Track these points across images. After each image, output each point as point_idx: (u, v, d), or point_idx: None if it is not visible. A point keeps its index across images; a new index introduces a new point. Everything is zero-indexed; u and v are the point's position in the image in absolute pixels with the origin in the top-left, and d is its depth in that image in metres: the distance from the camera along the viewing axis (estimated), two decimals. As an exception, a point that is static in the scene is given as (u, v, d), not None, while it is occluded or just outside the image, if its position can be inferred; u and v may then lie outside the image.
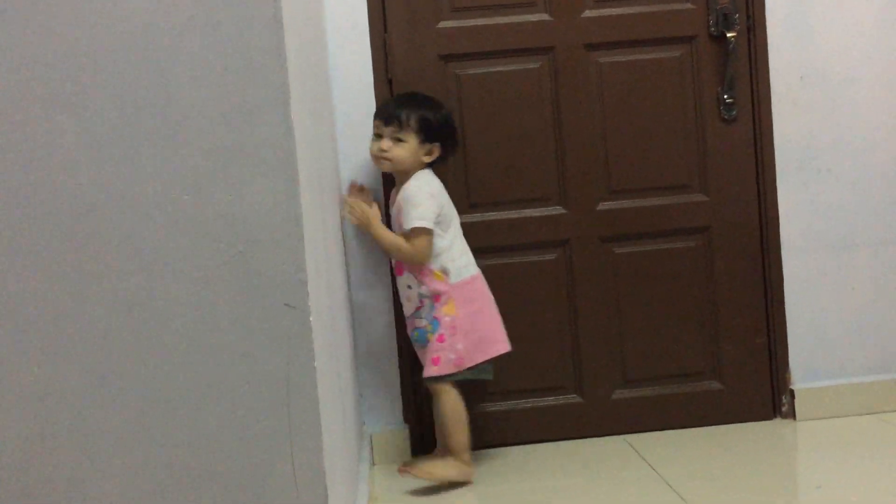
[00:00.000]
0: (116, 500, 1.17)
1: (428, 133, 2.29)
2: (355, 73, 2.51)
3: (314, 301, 1.23)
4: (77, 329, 1.16)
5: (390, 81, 2.52)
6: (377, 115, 2.33)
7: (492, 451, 2.54)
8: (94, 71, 1.15)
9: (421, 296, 2.30)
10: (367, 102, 2.50)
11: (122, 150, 1.16)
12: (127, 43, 1.15)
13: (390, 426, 2.56)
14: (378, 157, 2.30)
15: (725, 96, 2.55)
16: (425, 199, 2.26)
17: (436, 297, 2.28)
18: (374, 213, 2.34)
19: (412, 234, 2.25)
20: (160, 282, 1.17)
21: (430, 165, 2.33)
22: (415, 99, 2.33)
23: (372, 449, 2.54)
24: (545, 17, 2.56)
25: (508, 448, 2.56)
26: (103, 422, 1.16)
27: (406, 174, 2.30)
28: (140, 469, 1.17)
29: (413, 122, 2.27)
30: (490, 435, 2.57)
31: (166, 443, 1.17)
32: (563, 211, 2.57)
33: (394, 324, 2.53)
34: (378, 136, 2.31)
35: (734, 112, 2.57)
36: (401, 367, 2.55)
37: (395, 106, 2.30)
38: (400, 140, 2.27)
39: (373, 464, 2.53)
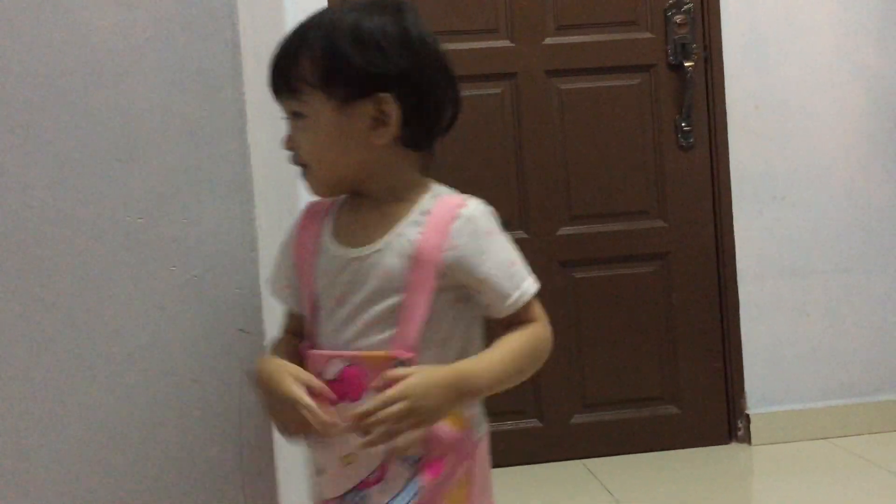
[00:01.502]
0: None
1: (351, 80, 1.00)
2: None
3: (269, 326, 1.21)
4: (24, 351, 1.13)
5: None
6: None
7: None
8: (47, 91, 1.13)
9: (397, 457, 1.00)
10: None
11: (75, 171, 1.14)
12: (82, 63, 1.14)
13: (348, 450, 2.53)
14: (293, 162, 1.07)
15: (683, 124, 2.59)
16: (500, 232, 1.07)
17: (432, 464, 1.02)
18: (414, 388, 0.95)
19: (530, 306, 1.06)
20: (111, 305, 1.15)
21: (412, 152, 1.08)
22: (315, 24, 1.04)
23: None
24: (507, 43, 2.58)
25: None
26: (47, 447, 1.13)
27: (370, 186, 1.06)
28: (85, 499, 1.14)
29: (310, 71, 1.01)
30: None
31: (114, 471, 1.14)
32: (524, 235, 2.58)
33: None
34: None
35: (692, 139, 2.60)
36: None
37: (280, 55, 1.05)
38: (299, 116, 1.04)
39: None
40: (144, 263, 1.15)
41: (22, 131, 1.13)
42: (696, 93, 2.59)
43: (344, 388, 0.98)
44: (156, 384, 1.16)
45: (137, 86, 1.15)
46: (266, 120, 1.44)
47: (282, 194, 1.66)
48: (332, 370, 0.99)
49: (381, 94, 1.00)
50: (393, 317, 0.99)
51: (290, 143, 1.05)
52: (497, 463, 2.53)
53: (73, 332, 1.14)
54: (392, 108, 1.01)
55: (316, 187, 1.06)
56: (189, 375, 1.16)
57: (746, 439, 2.63)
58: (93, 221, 1.14)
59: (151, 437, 1.15)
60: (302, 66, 1.01)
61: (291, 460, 1.35)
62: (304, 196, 2.68)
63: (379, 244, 1.02)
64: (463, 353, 1.03)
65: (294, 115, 1.04)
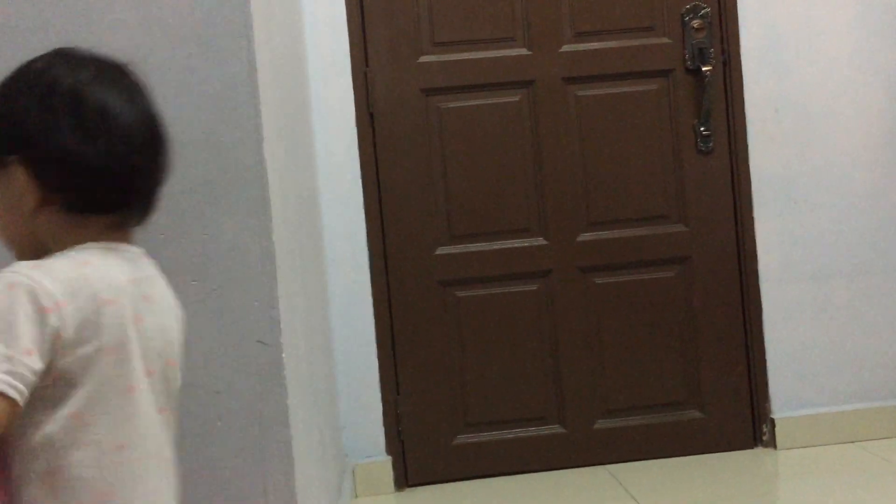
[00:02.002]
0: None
1: None
2: (337, 108, 2.53)
3: (287, 337, 1.24)
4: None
5: (371, 116, 2.55)
6: None
7: (473, 482, 2.54)
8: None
9: None
10: (349, 137, 2.53)
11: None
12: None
13: (373, 457, 2.55)
14: None
15: (702, 129, 2.59)
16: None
17: None
18: None
19: None
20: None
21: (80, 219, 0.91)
22: None
23: (355, 481, 2.53)
24: (524, 51, 2.60)
25: (490, 479, 2.56)
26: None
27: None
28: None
29: None
30: (472, 466, 2.57)
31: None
32: (545, 242, 2.59)
33: (375, 354, 2.54)
34: None
35: (711, 144, 2.60)
36: (382, 397, 2.56)
37: None
38: None
39: (356, 496, 2.52)
40: (166, 278, 1.18)
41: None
42: (715, 97, 2.59)
43: None
44: (182, 396, 1.19)
45: (157, 106, 1.18)
46: (281, 137, 1.48)
47: (298, 209, 1.69)
48: None
49: (7, 157, 0.88)
50: None
51: None
52: (520, 469, 2.58)
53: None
54: (18, 171, 0.87)
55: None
56: (211, 387, 1.18)
57: (772, 443, 2.62)
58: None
59: (183, 443, 1.18)
60: None
61: (310, 470, 1.37)
62: (326, 211, 2.67)
63: None
64: None
65: None
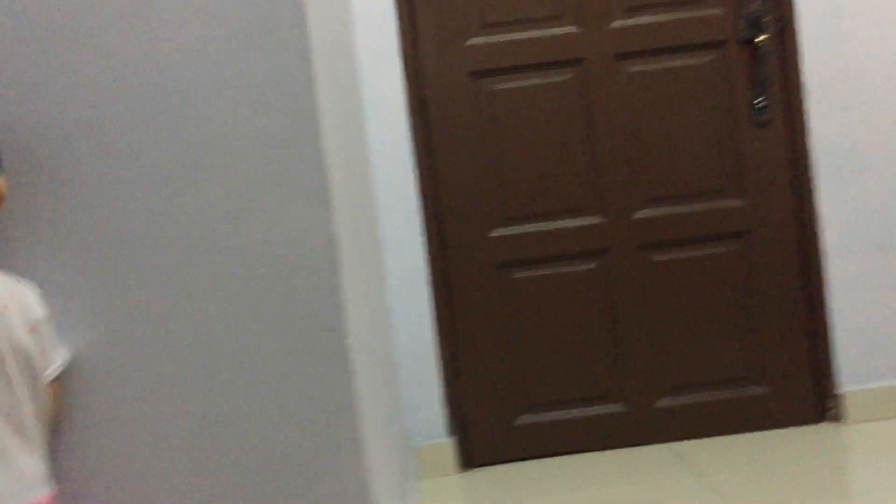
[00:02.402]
0: (168, 521, 1.21)
1: None
2: (387, 95, 2.55)
3: (352, 323, 1.26)
4: (126, 357, 1.20)
5: (422, 101, 2.56)
6: None
7: (537, 462, 2.55)
8: (136, 107, 1.20)
9: None
10: (401, 123, 2.54)
11: (159, 183, 1.20)
12: (162, 78, 1.20)
13: (435, 439, 2.58)
14: None
15: (757, 100, 2.54)
16: None
17: None
18: None
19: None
20: (202, 309, 1.21)
21: None
22: None
23: (418, 463, 2.56)
24: (573, 29, 2.57)
25: (553, 459, 2.56)
26: (151, 447, 1.20)
27: None
28: (186, 492, 1.21)
29: None
30: (535, 446, 2.58)
31: (212, 466, 1.21)
32: (601, 220, 2.58)
33: (435, 334, 2.56)
34: None
35: (767, 116, 2.55)
36: (443, 380, 2.58)
37: None
38: None
39: (420, 478, 2.55)
40: (230, 269, 1.21)
41: (106, 146, 1.20)
42: (770, 68, 2.54)
43: None
44: (247, 384, 1.21)
45: (218, 99, 1.21)
46: (337, 126, 1.49)
47: (356, 196, 1.71)
48: None
49: None
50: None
51: None
52: (583, 448, 2.58)
53: (168, 337, 1.21)
54: None
55: None
56: (279, 373, 1.21)
57: (838, 418, 2.57)
58: (179, 230, 1.20)
59: (245, 434, 1.21)
60: None
61: (378, 454, 1.39)
62: (382, 200, 2.69)
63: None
64: None
65: None
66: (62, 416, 1.13)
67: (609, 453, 2.57)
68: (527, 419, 2.59)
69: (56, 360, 1.09)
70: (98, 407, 1.20)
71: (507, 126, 2.57)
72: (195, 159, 1.21)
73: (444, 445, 2.57)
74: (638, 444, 2.58)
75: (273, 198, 1.21)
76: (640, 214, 2.59)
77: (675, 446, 2.55)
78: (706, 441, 2.56)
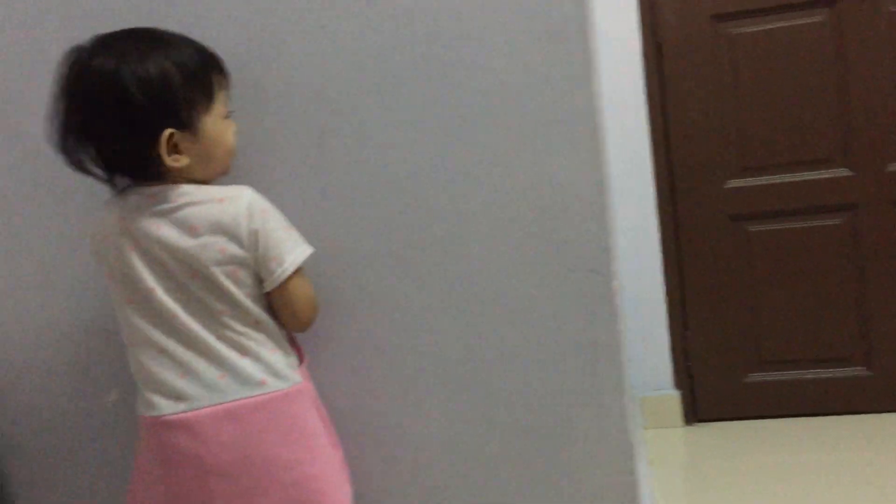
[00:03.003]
0: (436, 443, 1.29)
1: None
2: (621, 40, 2.49)
3: (617, 266, 1.27)
4: (407, 301, 1.28)
5: (659, 46, 2.49)
6: (221, 72, 1.17)
7: (766, 421, 2.47)
8: (418, 56, 1.25)
9: None
10: (635, 69, 2.49)
11: (435, 127, 1.25)
12: (440, 28, 1.24)
13: (661, 391, 2.56)
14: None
15: None
16: None
17: None
18: None
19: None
20: (469, 248, 1.25)
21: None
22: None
23: (643, 413, 2.55)
24: (829, -33, 2.41)
25: (784, 420, 2.48)
26: (426, 377, 1.27)
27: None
28: (458, 419, 1.27)
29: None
30: (765, 405, 2.50)
31: (482, 397, 1.27)
32: (850, 173, 2.42)
33: (662, 288, 2.52)
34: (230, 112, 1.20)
35: None
36: (671, 332, 2.54)
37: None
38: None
39: (644, 427, 2.55)
40: (502, 211, 1.24)
41: (387, 93, 1.26)
42: None
43: None
44: (515, 323, 1.26)
45: (494, 46, 1.24)
46: (606, 70, 1.48)
47: (623, 141, 1.69)
48: None
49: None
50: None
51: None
52: (818, 412, 2.46)
53: (434, 272, 1.27)
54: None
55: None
56: (547, 312, 1.24)
57: None
58: (454, 173, 1.25)
59: (513, 370, 1.26)
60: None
61: (629, 398, 1.40)
62: (612, 147, 2.63)
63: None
64: None
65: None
66: (310, 310, 1.19)
67: (845, 418, 2.45)
68: (757, 377, 2.51)
69: (284, 263, 1.14)
70: (359, 336, 1.28)
71: (748, 72, 2.45)
72: (471, 103, 1.24)
73: (670, 398, 2.55)
74: (881, 411, 2.44)
75: (545, 142, 1.23)
76: (893, 167, 2.40)
77: (924, 415, 2.39)
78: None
